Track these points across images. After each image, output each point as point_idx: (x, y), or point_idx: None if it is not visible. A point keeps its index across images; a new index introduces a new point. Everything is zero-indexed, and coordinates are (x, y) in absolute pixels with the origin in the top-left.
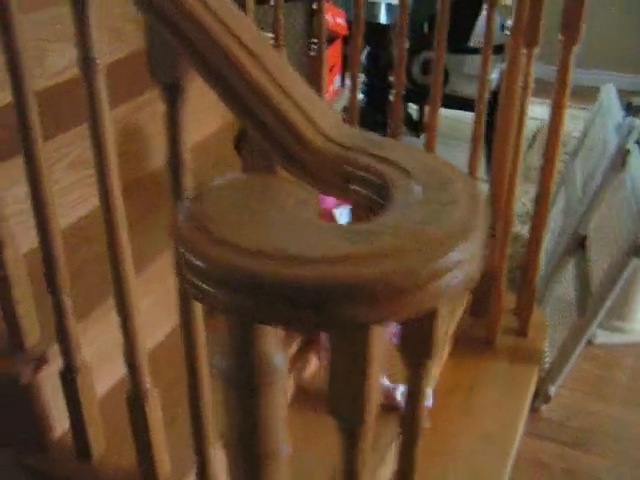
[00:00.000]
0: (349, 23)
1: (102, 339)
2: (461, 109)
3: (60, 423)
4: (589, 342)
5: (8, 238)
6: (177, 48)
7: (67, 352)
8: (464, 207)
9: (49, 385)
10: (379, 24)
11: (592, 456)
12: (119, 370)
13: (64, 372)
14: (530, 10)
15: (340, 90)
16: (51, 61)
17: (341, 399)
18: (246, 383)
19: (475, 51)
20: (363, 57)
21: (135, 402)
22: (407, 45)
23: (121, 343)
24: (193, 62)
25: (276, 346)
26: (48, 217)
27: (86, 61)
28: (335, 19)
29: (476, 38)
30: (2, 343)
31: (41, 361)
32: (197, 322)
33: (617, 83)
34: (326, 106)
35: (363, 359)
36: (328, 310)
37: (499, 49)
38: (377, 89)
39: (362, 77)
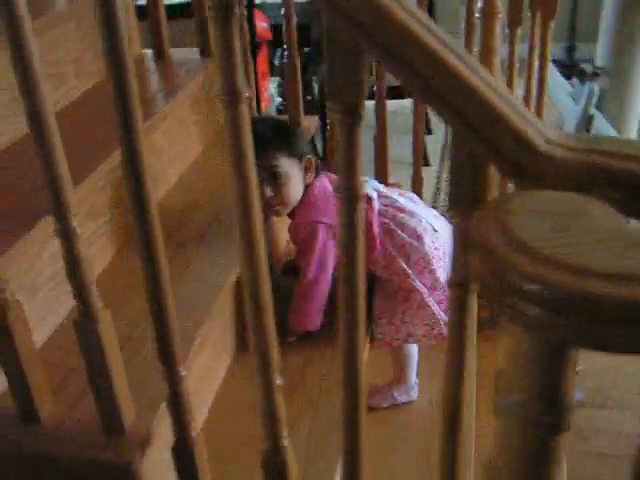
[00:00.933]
0: (272, 27)
1: None
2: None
3: None
4: None
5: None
6: (368, 52)
7: (181, 424)
8: None
9: (152, 463)
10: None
11: (608, 410)
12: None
13: (178, 447)
14: None
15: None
16: None
17: None
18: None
19: None
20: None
21: (274, 463)
22: None
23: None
24: (392, 65)
25: None
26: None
27: None
28: (261, 24)
29: None
30: (93, 427)
31: (146, 440)
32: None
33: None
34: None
35: None
36: None
37: None
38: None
39: (276, 81)
